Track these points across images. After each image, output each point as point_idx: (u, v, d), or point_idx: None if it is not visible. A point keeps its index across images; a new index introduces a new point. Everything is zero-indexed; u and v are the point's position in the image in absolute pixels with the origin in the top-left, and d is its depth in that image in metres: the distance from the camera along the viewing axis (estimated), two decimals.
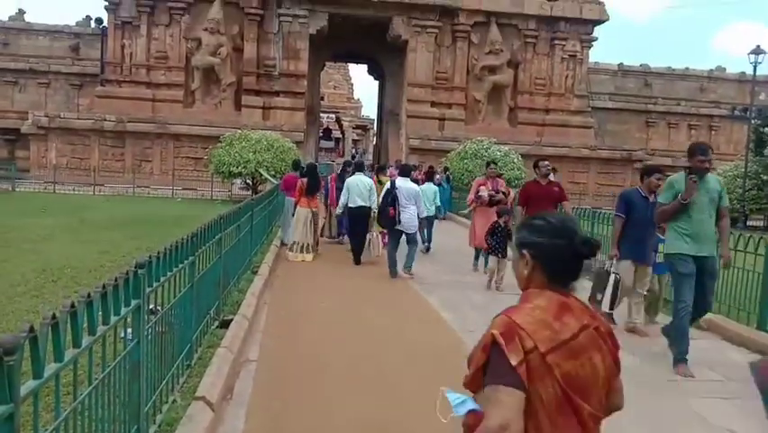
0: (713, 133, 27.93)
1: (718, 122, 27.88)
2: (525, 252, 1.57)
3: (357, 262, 8.97)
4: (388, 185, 8.57)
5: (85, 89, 24.63)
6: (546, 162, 7.27)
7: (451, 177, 18.13)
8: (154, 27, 22.70)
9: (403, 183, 8.37)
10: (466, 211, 10.17)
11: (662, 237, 5.29)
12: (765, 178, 18.97)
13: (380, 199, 8.55)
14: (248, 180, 18.38)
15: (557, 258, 1.53)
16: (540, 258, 1.55)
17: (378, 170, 11.76)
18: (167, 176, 20.90)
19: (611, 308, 5.41)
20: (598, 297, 5.34)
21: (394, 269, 7.99)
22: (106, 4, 22.59)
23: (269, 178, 16.37)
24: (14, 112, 24.35)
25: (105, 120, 21.31)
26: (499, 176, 9.66)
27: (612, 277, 5.31)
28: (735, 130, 27.69)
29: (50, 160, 21.32)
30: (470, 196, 8.96)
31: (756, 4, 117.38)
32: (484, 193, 8.63)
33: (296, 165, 11.44)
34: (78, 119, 21.72)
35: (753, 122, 22.05)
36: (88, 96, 23.99)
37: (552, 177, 7.51)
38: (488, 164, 9.58)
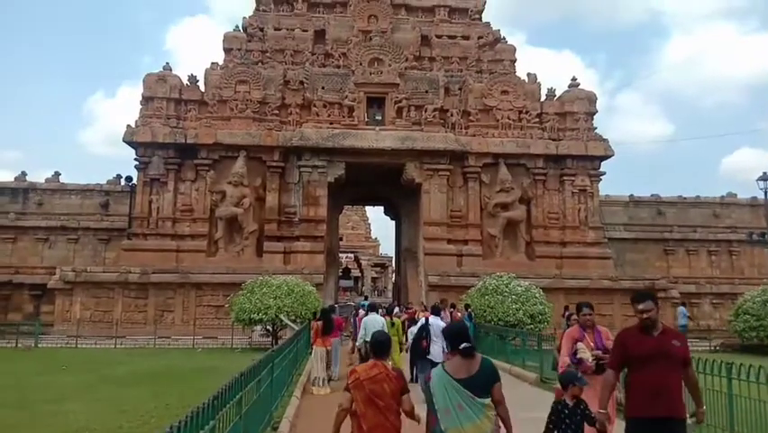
0: (734, 258, 27.70)
1: (737, 246, 27.75)
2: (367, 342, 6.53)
3: None
4: (422, 320, 10.36)
5: (112, 243, 25.52)
6: (648, 301, 4.30)
7: (473, 314, 17.92)
8: (181, 183, 23.99)
9: (434, 321, 9.87)
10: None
11: None
12: None
13: (415, 332, 10.34)
14: (268, 327, 18.28)
15: (372, 346, 4.27)
16: (371, 346, 4.35)
17: (388, 311, 14.16)
18: (188, 326, 20.92)
19: None
20: None
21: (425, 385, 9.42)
22: (136, 163, 24.13)
23: (289, 324, 16.32)
24: (43, 268, 25.10)
25: (130, 272, 21.81)
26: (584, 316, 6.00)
27: None
28: (756, 254, 27.47)
29: (75, 313, 21.56)
30: (563, 358, 5.86)
31: (756, 133, 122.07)
32: (586, 354, 5.62)
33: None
34: (104, 272, 22.27)
35: None
36: (115, 249, 24.81)
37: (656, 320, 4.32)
38: (579, 308, 6.11)
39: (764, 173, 20.41)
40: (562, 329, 7.07)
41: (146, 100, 24.48)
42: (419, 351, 9.84)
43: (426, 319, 10.34)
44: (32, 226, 25.97)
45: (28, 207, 26.47)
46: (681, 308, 20.93)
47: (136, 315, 21.83)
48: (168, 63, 25.52)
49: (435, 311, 10.91)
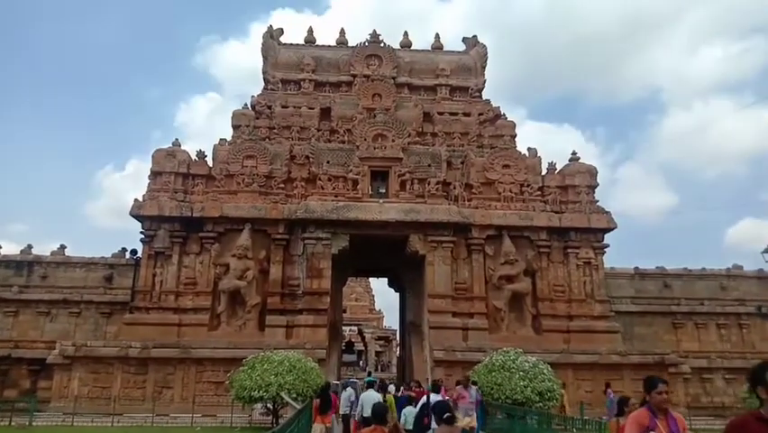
0: (744, 331, 27.16)
1: (747, 319, 27.28)
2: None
3: None
4: (423, 399, 10.73)
5: (114, 317, 25.26)
6: None
7: (480, 392, 17.39)
8: (185, 255, 24.03)
9: (434, 398, 10.35)
10: None
11: None
12: None
13: (417, 411, 10.63)
14: (269, 405, 17.78)
15: (373, 414, 6.15)
16: (372, 414, 6.15)
17: (382, 388, 14.93)
18: (187, 403, 20.38)
19: None
20: None
21: None
22: (142, 236, 24.28)
23: (290, 402, 15.90)
24: (43, 342, 24.73)
25: (131, 347, 21.48)
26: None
27: None
28: (767, 327, 26.99)
29: (72, 390, 21.08)
30: None
31: (758, 203, 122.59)
32: None
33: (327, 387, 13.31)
34: (104, 347, 21.91)
35: None
36: (117, 323, 24.53)
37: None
38: (651, 384, 4.56)
39: None
40: (609, 410, 5.96)
41: (154, 175, 24.91)
42: (422, 428, 10.25)
43: (427, 397, 10.88)
44: (34, 300, 25.79)
45: (32, 281, 26.40)
46: None
47: (135, 391, 21.30)
48: (177, 139, 26.17)
49: (435, 389, 11.90)
